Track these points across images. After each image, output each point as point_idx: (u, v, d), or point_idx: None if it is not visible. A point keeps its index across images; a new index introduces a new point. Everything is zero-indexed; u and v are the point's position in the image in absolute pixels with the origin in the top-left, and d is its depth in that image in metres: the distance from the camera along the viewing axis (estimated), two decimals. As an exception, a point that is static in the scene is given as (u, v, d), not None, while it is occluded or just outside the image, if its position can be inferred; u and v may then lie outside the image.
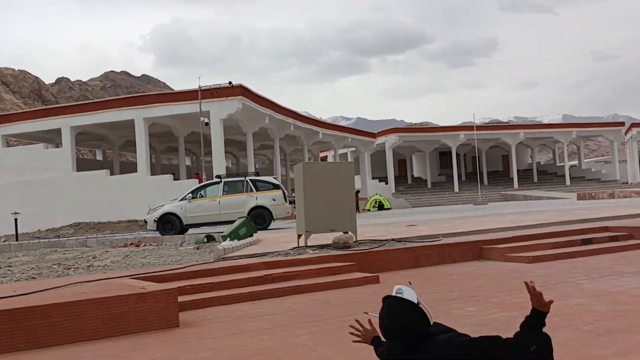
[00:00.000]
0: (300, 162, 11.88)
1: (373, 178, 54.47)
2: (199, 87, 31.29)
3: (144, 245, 17.12)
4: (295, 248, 10.89)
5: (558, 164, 66.48)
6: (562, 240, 11.53)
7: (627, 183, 57.41)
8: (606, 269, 8.83)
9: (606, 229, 12.55)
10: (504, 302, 6.70)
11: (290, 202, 23.06)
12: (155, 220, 20.81)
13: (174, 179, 33.45)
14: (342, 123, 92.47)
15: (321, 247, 10.90)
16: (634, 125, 64.04)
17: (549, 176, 62.89)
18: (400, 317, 2.88)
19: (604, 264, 9.42)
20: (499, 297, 7.05)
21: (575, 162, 67.66)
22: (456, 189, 55.01)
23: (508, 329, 5.43)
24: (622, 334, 4.95)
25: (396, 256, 10.38)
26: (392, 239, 11.67)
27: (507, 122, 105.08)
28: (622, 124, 64.70)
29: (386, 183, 53.75)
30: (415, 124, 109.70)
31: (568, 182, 57.65)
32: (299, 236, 11.44)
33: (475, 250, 11.08)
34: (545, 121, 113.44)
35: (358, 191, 45.07)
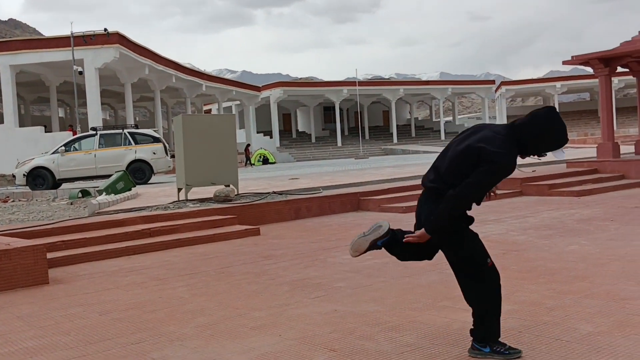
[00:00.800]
0: (180, 114, 11.58)
1: (258, 132, 54.18)
2: (72, 33, 29.36)
3: (12, 201, 16.13)
4: (175, 202, 10.71)
5: (434, 120, 69.39)
6: (434, 191, 12.15)
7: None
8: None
9: (474, 180, 13.38)
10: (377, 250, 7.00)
11: (172, 156, 22.48)
12: (24, 174, 19.57)
13: (46, 131, 31.50)
14: (227, 76, 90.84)
15: (202, 200, 10.80)
16: (503, 83, 67.98)
17: (426, 131, 65.56)
18: None
19: (474, 213, 10.06)
20: (373, 245, 7.35)
21: (450, 118, 71.00)
22: (339, 143, 56.04)
23: (379, 275, 5.73)
24: (480, 275, 5.35)
25: (277, 208, 10.51)
26: (274, 192, 11.78)
27: (388, 79, 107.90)
28: (492, 81, 68.41)
29: (271, 137, 53.70)
30: (300, 78, 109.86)
31: (443, 137, 60.46)
32: (179, 190, 11.26)
33: (353, 201, 11.45)
34: (424, 78, 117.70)
35: (249, 145, 44.85)
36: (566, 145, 3.21)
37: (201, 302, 5.00)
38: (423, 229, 3.26)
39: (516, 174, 14.31)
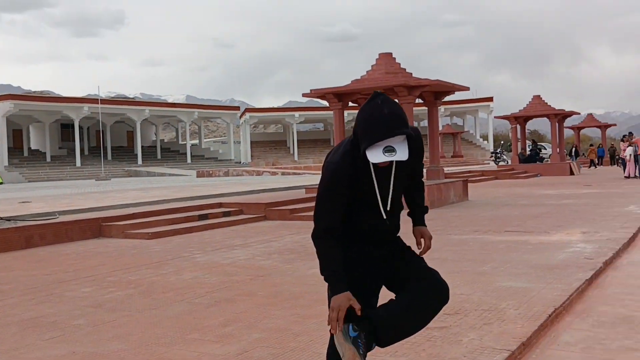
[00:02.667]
0: None
1: (-19, 149, 48.28)
2: None
3: None
4: None
5: (181, 142, 69.02)
6: (181, 216, 11.99)
7: (240, 162, 63.01)
8: (219, 242, 9.50)
9: (220, 204, 13.50)
10: (121, 280, 6.64)
11: None
12: None
13: None
14: (-58, 83, 79.13)
15: None
16: (247, 110, 70.57)
17: (172, 154, 64.90)
18: (399, 109, 2.41)
19: (217, 238, 10.11)
20: (117, 275, 6.95)
21: (197, 141, 71.30)
22: (78, 163, 52.53)
23: (123, 308, 5.40)
24: (228, 303, 5.36)
25: (5, 237, 9.41)
26: (1, 218, 10.52)
27: (133, 98, 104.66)
28: (237, 108, 70.73)
29: (-3, 155, 48.24)
30: (34, 92, 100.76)
31: (189, 160, 60.45)
32: None
33: (94, 227, 10.74)
34: (170, 100, 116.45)
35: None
36: (392, 144, 2.34)
37: None
38: None
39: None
